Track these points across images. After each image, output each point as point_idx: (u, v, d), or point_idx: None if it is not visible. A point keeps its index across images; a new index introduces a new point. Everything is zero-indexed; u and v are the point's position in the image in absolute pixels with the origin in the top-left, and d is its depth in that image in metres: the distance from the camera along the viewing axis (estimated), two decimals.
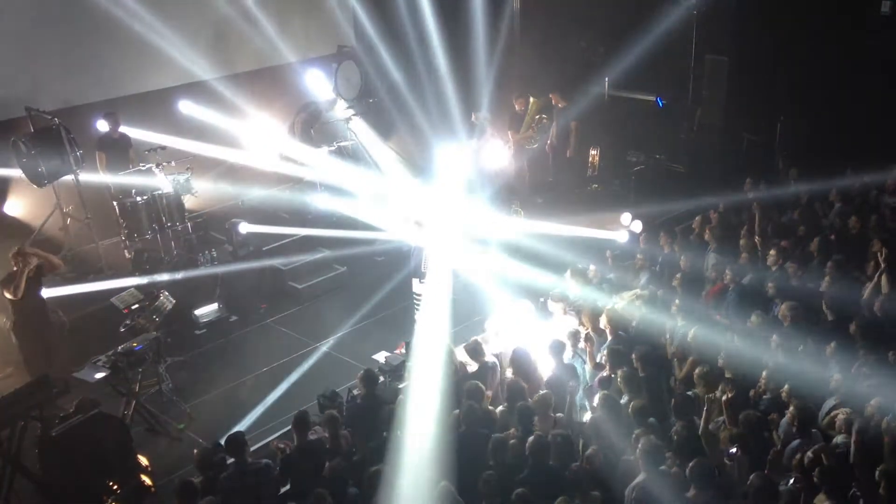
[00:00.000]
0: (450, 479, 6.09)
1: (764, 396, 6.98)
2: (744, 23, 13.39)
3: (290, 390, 9.26)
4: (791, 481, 5.86)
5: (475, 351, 8.09)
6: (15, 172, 10.85)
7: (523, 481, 6.07)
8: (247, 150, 13.48)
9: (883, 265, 8.29)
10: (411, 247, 9.97)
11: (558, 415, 7.17)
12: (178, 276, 10.81)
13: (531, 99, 14.00)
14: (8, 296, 8.97)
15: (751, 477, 5.74)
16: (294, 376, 9.53)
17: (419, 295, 10.02)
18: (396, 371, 8.81)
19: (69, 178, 10.98)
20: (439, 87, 14.25)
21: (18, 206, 11.81)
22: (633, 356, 7.61)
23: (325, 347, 10.15)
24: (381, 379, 8.82)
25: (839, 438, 6.21)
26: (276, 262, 11.70)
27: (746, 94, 13.56)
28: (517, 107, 14.03)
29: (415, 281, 10.03)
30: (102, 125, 11.63)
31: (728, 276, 8.85)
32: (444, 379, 7.63)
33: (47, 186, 10.85)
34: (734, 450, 6.13)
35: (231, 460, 6.79)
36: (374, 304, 10.79)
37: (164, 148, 11.89)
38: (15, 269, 9.00)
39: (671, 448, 6.35)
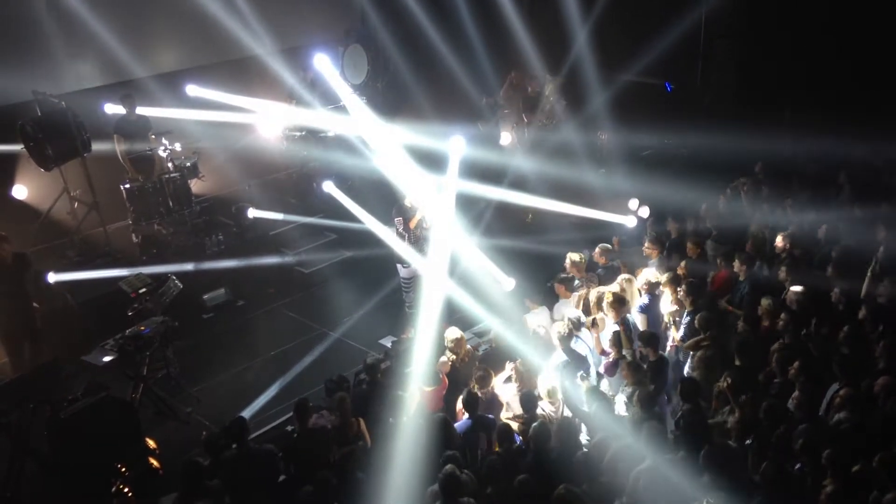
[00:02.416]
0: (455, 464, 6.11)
1: (775, 381, 6.96)
2: (754, 5, 13.28)
3: (297, 375, 9.30)
4: (798, 466, 5.86)
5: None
6: (23, 154, 10.86)
7: (528, 467, 6.09)
8: (256, 122, 13.50)
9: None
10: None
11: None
12: (188, 264, 10.83)
13: (547, 80, 13.94)
14: None
15: (764, 465, 5.73)
16: (302, 361, 9.55)
17: (407, 280, 10.01)
18: (403, 356, 8.82)
19: (76, 161, 10.99)
20: (449, 72, 14.20)
21: (26, 190, 11.84)
22: (639, 341, 7.61)
23: (332, 332, 10.17)
24: (388, 364, 8.87)
25: (841, 415, 6.20)
26: (290, 259, 11.77)
27: (756, 78, 13.47)
28: (530, 89, 13.96)
29: (399, 267, 10.02)
30: (118, 108, 11.63)
31: (736, 265, 8.79)
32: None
33: (54, 170, 10.87)
34: (749, 441, 6.12)
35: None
36: (381, 289, 10.77)
37: (169, 132, 11.89)
38: None
39: (677, 433, 6.35)
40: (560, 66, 14.17)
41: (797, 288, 7.95)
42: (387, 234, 10.22)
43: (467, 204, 11.15)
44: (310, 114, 13.10)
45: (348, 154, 12.61)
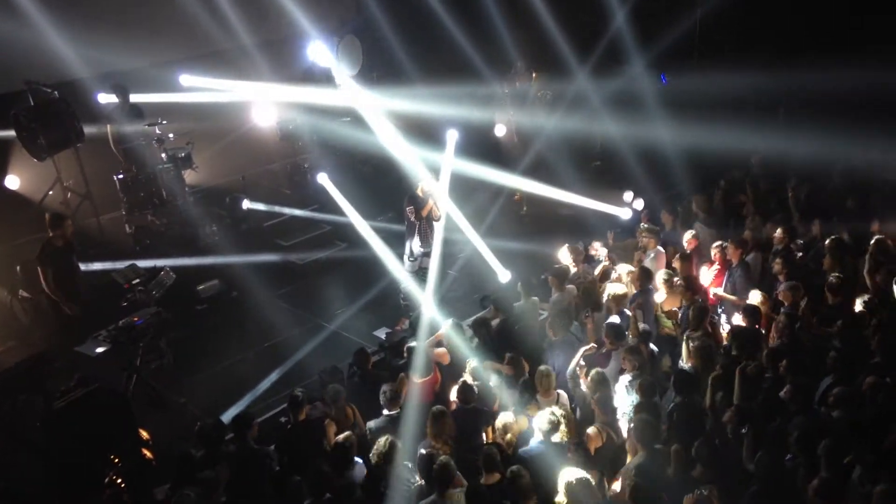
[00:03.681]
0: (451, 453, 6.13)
1: (766, 375, 6.97)
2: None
3: (291, 366, 9.27)
4: (789, 457, 5.88)
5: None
6: (15, 144, 10.81)
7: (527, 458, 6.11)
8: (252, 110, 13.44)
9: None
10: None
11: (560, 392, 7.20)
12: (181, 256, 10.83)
13: (533, 74, 13.93)
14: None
15: (758, 455, 5.75)
16: (296, 352, 9.51)
17: (409, 273, 10.04)
18: (397, 347, 8.82)
19: (69, 151, 10.94)
20: (449, 62, 14.14)
21: (18, 180, 11.79)
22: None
23: (326, 323, 10.16)
24: (382, 356, 8.88)
25: (835, 414, 6.21)
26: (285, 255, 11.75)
27: (751, 70, 13.44)
28: (518, 83, 13.96)
29: (404, 258, 10.04)
30: (112, 97, 11.58)
31: (731, 251, 8.81)
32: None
33: (47, 160, 10.82)
34: (744, 430, 6.14)
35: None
36: (376, 280, 10.73)
37: (163, 122, 11.85)
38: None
39: (670, 425, 6.36)
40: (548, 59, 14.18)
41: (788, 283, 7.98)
42: (371, 234, 10.37)
43: (469, 194, 11.15)
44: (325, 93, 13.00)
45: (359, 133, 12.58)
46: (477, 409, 6.94)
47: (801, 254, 8.93)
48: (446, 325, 8.01)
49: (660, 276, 8.60)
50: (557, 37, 14.09)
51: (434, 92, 13.38)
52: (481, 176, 11.64)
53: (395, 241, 10.56)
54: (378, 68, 15.39)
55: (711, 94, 12.12)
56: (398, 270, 10.10)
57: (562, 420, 6.35)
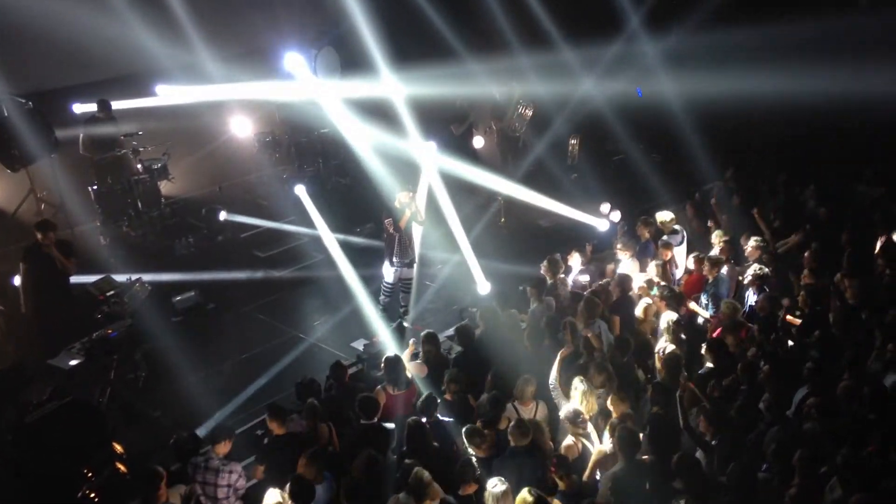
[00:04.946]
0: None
1: (742, 387, 7.01)
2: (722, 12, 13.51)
3: (268, 378, 9.20)
4: (765, 467, 5.92)
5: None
6: None
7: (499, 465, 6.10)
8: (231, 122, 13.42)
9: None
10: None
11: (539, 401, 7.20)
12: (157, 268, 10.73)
13: (514, 86, 14.01)
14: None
15: (731, 466, 5.78)
16: (273, 365, 9.44)
17: (389, 285, 10.02)
18: (374, 359, 8.79)
19: (43, 162, 10.85)
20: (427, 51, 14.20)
21: None
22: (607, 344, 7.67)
23: (303, 335, 10.10)
24: (359, 368, 8.84)
25: (810, 426, 6.27)
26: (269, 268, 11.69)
27: (726, 86, 13.63)
28: (498, 96, 14.02)
29: (385, 267, 10.00)
30: (87, 107, 11.54)
31: (706, 267, 8.88)
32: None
33: (21, 171, 10.71)
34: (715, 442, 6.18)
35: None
36: (354, 292, 10.71)
37: (140, 133, 11.79)
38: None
39: (646, 436, 6.38)
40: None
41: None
42: (338, 252, 10.47)
43: (458, 203, 11.19)
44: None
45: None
46: (440, 421, 6.93)
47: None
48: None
49: (637, 284, 8.66)
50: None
51: (419, 76, 13.49)
52: (467, 184, 11.72)
53: (371, 257, 10.48)
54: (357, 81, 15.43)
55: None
56: (360, 293, 10.12)
57: (531, 427, 6.35)
